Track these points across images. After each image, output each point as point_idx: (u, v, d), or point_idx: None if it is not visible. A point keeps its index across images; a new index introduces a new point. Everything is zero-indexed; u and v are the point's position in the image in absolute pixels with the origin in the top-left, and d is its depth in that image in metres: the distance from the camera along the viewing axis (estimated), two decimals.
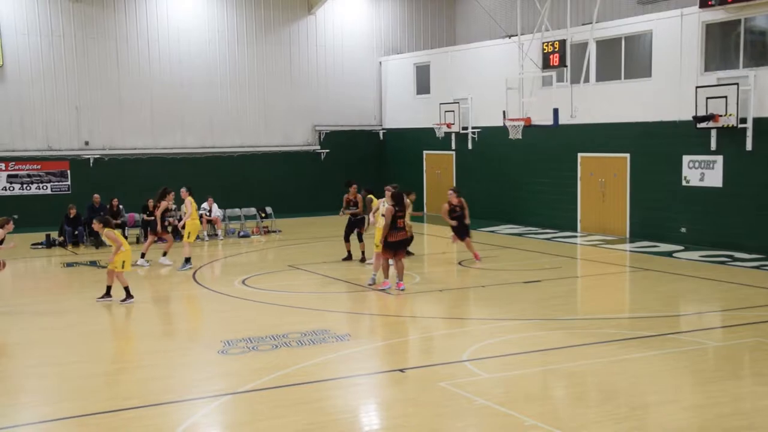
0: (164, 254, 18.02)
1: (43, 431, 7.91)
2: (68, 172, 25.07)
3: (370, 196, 17.07)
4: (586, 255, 19.06)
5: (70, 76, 24.98)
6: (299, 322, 12.05)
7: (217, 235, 22.37)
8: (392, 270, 14.17)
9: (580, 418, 7.86)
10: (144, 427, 7.81)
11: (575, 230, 22.08)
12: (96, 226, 13.70)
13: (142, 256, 17.86)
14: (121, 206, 21.90)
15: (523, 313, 12.60)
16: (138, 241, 21.51)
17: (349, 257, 17.57)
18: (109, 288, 13.60)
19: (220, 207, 22.96)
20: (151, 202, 21.92)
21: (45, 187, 24.81)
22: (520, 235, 21.93)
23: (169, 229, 18.40)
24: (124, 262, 13.43)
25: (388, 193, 14.68)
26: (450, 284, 15.32)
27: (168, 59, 26.16)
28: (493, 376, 9.31)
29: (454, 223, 16.86)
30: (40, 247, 20.73)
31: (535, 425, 7.61)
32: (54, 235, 21.21)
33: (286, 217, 24.64)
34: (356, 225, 17.59)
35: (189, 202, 17.56)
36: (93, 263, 18.33)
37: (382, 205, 15.12)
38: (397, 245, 13.96)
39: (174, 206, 21.94)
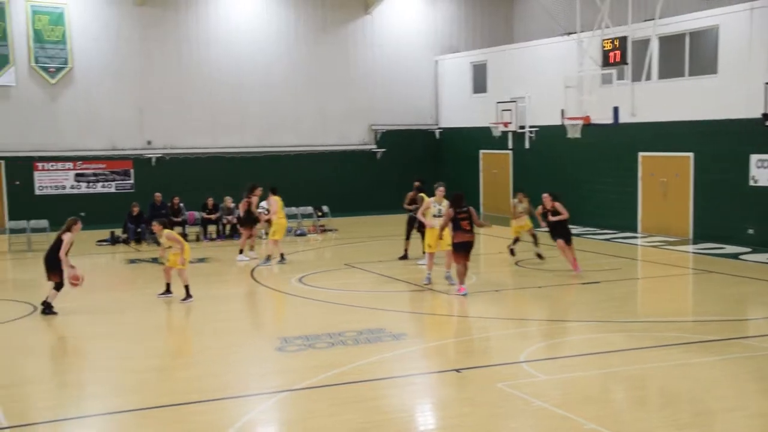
0: (240, 251, 18.26)
1: (109, 422, 8.13)
2: (131, 171, 25.68)
3: (422, 194, 16.95)
4: (647, 256, 18.67)
5: (134, 78, 25.57)
6: (355, 320, 12.09)
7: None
8: (453, 271, 14.03)
9: (641, 423, 7.70)
10: (203, 422, 7.95)
11: (635, 231, 21.65)
12: (156, 227, 13.94)
13: (240, 252, 18.18)
14: (181, 204, 22.32)
15: (582, 314, 12.40)
16: (198, 239, 21.91)
17: (405, 257, 17.56)
18: (168, 285, 13.87)
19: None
20: (210, 201, 22.34)
21: (110, 186, 25.47)
22: (578, 235, 21.55)
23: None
24: (184, 260, 13.65)
25: (439, 193, 14.61)
26: (507, 285, 15.19)
27: (227, 60, 26.56)
28: (550, 378, 9.19)
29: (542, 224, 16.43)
30: (104, 244, 21.28)
31: (594, 429, 7.48)
32: (118, 232, 21.73)
33: (342, 216, 24.78)
34: (419, 223, 17.58)
35: (274, 201, 17.83)
36: (155, 260, 18.72)
37: (433, 206, 15.03)
38: (460, 247, 13.62)
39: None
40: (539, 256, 16.81)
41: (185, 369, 9.93)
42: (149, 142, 25.91)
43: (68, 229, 12.97)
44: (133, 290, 15.47)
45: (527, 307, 13.48)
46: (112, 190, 25.45)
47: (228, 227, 22.35)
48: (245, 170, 26.21)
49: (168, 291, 13.87)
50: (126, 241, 21.41)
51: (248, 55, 26.79)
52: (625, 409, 8.33)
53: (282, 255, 17.72)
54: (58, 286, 12.81)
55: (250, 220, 18.49)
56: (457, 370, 9.54)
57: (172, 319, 12.71)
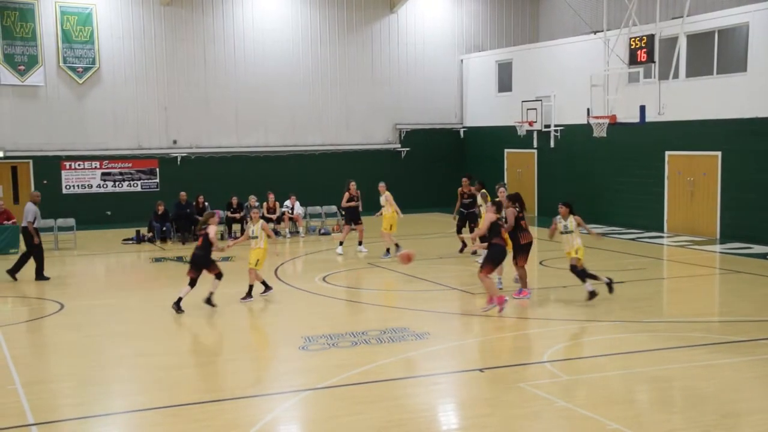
0: (360, 243, 19.00)
1: (134, 420, 8.21)
2: (157, 170, 25.92)
3: (485, 190, 16.86)
4: (673, 256, 18.48)
5: (160, 77, 25.81)
6: (379, 319, 12.10)
7: (298, 232, 22.70)
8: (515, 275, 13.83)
9: (666, 424, 7.62)
10: (226, 420, 8.00)
11: (661, 230, 21.43)
12: (254, 214, 14.01)
13: (341, 244, 18.96)
14: (206, 203, 22.47)
15: (606, 314, 12.30)
16: (222, 238, 22.02)
17: (463, 248, 17.99)
18: (251, 287, 13.79)
19: (301, 205, 23.30)
20: (235, 200, 22.48)
21: (135, 185, 25.72)
22: (603, 234, 21.36)
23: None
24: (258, 260, 13.65)
25: (501, 194, 14.33)
26: (530, 284, 15.09)
27: (252, 59, 26.71)
28: (574, 378, 9.13)
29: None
30: (130, 242, 21.50)
31: (617, 429, 7.42)
32: (143, 231, 21.95)
33: (365, 214, 24.78)
34: (469, 218, 17.69)
35: (388, 196, 18.26)
36: (180, 259, 18.87)
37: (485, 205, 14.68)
38: (527, 247, 13.38)
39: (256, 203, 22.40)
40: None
41: (209, 367, 10.01)
42: (175, 141, 26.13)
43: (206, 223, 13.27)
44: (158, 288, 15.61)
45: (551, 306, 13.39)
46: (138, 189, 25.71)
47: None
48: (269, 169, 26.38)
49: (249, 295, 13.67)
50: (151, 240, 21.61)
51: (273, 54, 26.92)
52: (649, 410, 8.26)
53: (397, 245, 17.87)
54: (219, 276, 13.19)
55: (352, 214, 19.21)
56: (480, 370, 9.52)
57: (197, 318, 12.79)
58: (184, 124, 26.21)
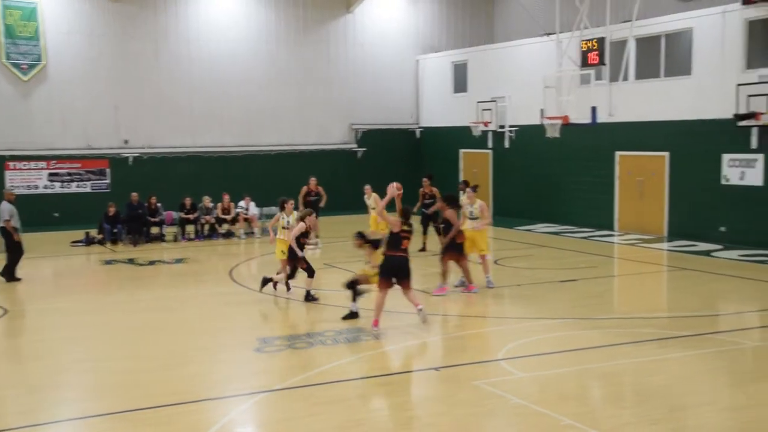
0: (316, 236, 19.40)
1: (85, 426, 8.08)
2: (107, 170, 25.49)
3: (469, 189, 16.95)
4: (623, 254, 18.86)
5: (110, 76, 25.37)
6: (335, 320, 12.11)
7: (253, 233, 22.57)
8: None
9: (617, 419, 7.80)
10: (181, 424, 7.94)
11: (612, 229, 21.85)
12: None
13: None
14: (159, 204, 22.19)
15: (559, 312, 12.51)
16: (175, 240, 21.81)
17: (423, 249, 18.13)
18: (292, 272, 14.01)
19: (257, 205, 23.16)
20: (188, 201, 22.24)
21: (85, 186, 25.25)
22: (556, 233, 21.77)
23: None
24: (283, 251, 13.95)
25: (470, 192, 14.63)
26: (485, 282, 15.26)
27: (207, 58, 26.44)
28: (528, 375, 9.28)
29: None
30: (79, 244, 21.10)
31: (571, 425, 7.57)
32: (93, 233, 21.59)
33: (322, 215, 24.75)
34: (432, 219, 17.92)
35: (376, 198, 18.27)
36: (131, 261, 18.62)
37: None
38: (461, 246, 13.79)
39: (211, 204, 22.31)
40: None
41: (163, 371, 9.88)
42: (126, 141, 25.73)
43: (302, 219, 13.61)
44: (108, 291, 15.38)
45: (505, 305, 13.57)
46: (88, 190, 25.22)
47: (206, 227, 22.29)
48: (224, 170, 26.15)
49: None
50: (101, 242, 21.26)
51: (228, 53, 26.69)
52: (601, 405, 8.44)
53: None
54: (310, 272, 13.43)
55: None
56: (436, 369, 9.61)
57: (150, 321, 12.65)
58: (135, 124, 25.81)
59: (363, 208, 18.85)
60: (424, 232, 18.54)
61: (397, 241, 11.32)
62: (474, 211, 14.32)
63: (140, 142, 25.90)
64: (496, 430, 7.87)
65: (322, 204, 20.55)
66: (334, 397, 8.55)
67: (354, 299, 12.10)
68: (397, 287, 11.45)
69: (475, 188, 15.17)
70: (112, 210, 21.44)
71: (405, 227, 11.36)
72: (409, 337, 11.23)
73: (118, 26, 25.39)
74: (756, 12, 18.04)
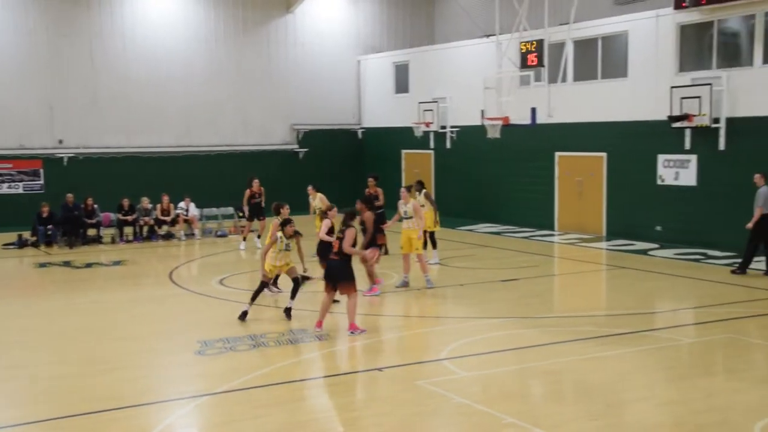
0: (259, 236, 19.54)
1: None
2: (41, 171, 24.76)
3: (426, 190, 16.87)
4: (563, 253, 19.19)
5: (43, 74, 24.65)
6: (278, 321, 12.01)
7: (194, 234, 22.24)
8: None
9: (557, 416, 7.91)
10: (119, 430, 7.75)
11: (552, 229, 22.21)
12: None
13: (244, 239, 19.76)
14: (95, 206, 21.68)
15: (501, 311, 12.64)
16: (113, 241, 21.35)
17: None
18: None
19: (197, 206, 22.83)
20: (126, 202, 21.78)
21: (17, 186, 24.45)
22: (497, 233, 22.01)
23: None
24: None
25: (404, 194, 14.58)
26: (425, 282, 15.33)
27: (143, 57, 25.93)
28: (470, 375, 9.34)
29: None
30: (11, 247, 20.46)
31: (513, 423, 7.64)
32: (26, 235, 20.96)
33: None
34: (378, 219, 17.69)
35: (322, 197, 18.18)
36: (67, 263, 18.14)
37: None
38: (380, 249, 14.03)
39: (151, 205, 21.92)
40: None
41: (99, 376, 9.63)
42: (60, 141, 25.05)
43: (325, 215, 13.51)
44: (43, 295, 14.94)
45: (448, 305, 13.66)
46: (20, 191, 24.44)
47: (145, 229, 21.87)
48: (163, 170, 25.69)
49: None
50: (35, 245, 20.66)
51: (165, 52, 26.23)
52: (542, 402, 8.55)
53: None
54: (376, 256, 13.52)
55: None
56: (379, 369, 9.60)
57: (86, 325, 12.33)
58: (70, 123, 25.14)
59: (305, 209, 18.71)
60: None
61: (329, 245, 11.24)
62: (408, 211, 14.40)
63: (75, 142, 25.25)
64: (439, 430, 7.90)
65: (263, 204, 20.45)
66: (276, 399, 8.47)
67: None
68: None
69: (409, 188, 15.19)
70: (45, 210, 20.85)
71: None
72: (352, 338, 11.19)
73: (50, 23, 24.69)
74: (687, 16, 18.56)
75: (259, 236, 19.72)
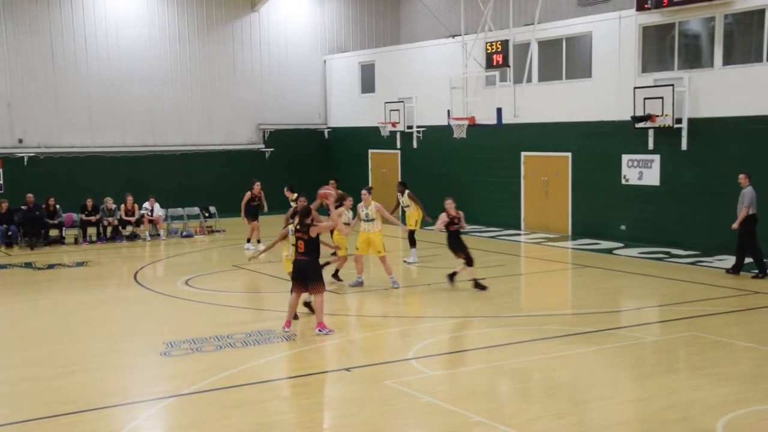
0: (248, 240, 19.38)
1: None
2: (0, 170, 24.28)
3: (409, 191, 17.03)
4: (530, 253, 19.34)
5: (1, 72, 24.19)
6: (244, 322, 11.93)
7: (159, 235, 22.01)
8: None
9: (524, 414, 7.97)
10: None
11: (519, 228, 22.37)
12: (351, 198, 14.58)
13: (248, 241, 19.36)
14: (57, 206, 21.33)
15: (468, 310, 12.70)
16: (76, 242, 21.04)
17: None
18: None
19: (162, 207, 22.60)
20: (90, 202, 21.47)
21: None
22: (465, 233, 22.06)
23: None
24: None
25: (364, 194, 14.48)
26: (390, 283, 15.35)
27: (107, 55, 25.59)
28: (438, 374, 9.37)
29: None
30: None
31: (481, 422, 7.68)
32: None
33: (229, 216, 24.35)
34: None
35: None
36: (28, 265, 17.82)
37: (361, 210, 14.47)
38: None
39: (114, 206, 21.64)
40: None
41: (62, 378, 9.47)
42: (20, 141, 24.60)
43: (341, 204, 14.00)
44: (4, 297, 14.64)
45: (415, 304, 13.68)
46: None
47: (109, 229, 21.58)
48: (127, 170, 25.41)
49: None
50: None
51: (129, 51, 25.91)
52: (509, 401, 8.60)
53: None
54: (469, 261, 14.00)
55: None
56: (347, 369, 9.58)
57: (49, 327, 12.13)
58: (30, 122, 24.71)
59: (273, 209, 18.61)
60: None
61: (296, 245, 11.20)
62: (369, 213, 14.29)
63: (36, 141, 24.83)
64: (408, 429, 7.91)
65: (265, 209, 20.32)
66: (244, 400, 8.41)
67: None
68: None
69: (370, 190, 14.94)
70: (4, 206, 20.42)
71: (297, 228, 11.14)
72: (320, 338, 11.16)
73: (8, 20, 24.23)
74: (649, 18, 18.83)
75: (248, 240, 19.58)
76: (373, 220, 14.21)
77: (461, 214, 14.61)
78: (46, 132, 24.95)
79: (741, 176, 15.12)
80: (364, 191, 14.73)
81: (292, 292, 11.33)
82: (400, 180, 17.68)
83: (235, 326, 11.62)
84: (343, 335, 11.32)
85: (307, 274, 11.08)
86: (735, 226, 14.95)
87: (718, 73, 17.71)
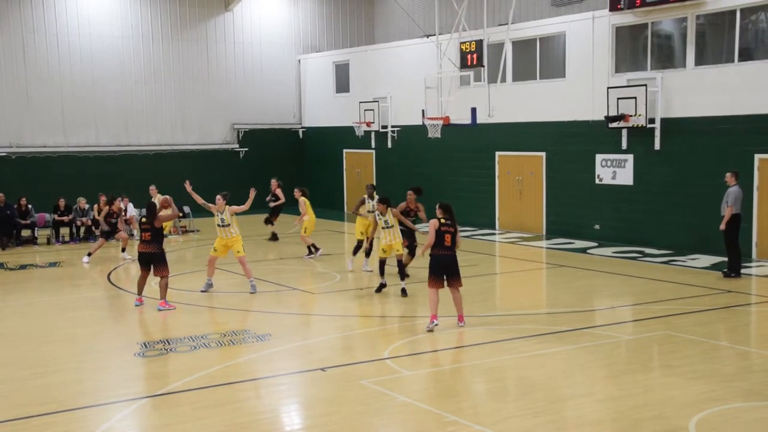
0: (123, 250, 18.65)
1: None
2: None
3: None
4: (504, 252, 19.43)
5: None
6: (219, 322, 11.86)
7: (132, 235, 21.76)
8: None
9: (499, 413, 8.00)
10: None
11: (493, 228, 22.47)
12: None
13: (89, 255, 17.98)
14: (30, 206, 21.05)
15: (443, 310, 12.70)
16: (49, 242, 20.78)
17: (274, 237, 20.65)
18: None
19: (135, 206, 22.36)
20: (62, 202, 21.22)
21: None
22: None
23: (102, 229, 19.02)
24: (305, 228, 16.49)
25: (369, 197, 14.45)
26: (370, 283, 15.35)
27: (79, 54, 25.32)
28: (413, 373, 9.38)
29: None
30: None
31: (456, 421, 7.70)
32: None
33: (204, 216, 24.17)
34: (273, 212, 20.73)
35: (303, 202, 18.11)
36: (0, 265, 17.57)
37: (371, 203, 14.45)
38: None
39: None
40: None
41: (35, 379, 9.36)
42: None
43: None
44: None
45: (390, 304, 13.68)
46: None
47: (83, 229, 21.34)
48: (100, 170, 25.17)
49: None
50: None
51: (102, 50, 25.67)
52: (484, 400, 8.63)
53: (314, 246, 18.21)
54: (411, 252, 14.51)
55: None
56: (323, 369, 9.56)
57: (21, 327, 11.97)
58: (2, 122, 24.39)
59: (253, 209, 18.46)
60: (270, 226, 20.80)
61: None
62: (389, 220, 14.05)
63: (7, 141, 24.50)
64: (383, 429, 7.91)
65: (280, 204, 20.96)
66: (219, 401, 8.36)
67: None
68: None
69: (384, 200, 14.42)
70: None
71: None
72: (295, 338, 11.14)
73: None
74: (622, 18, 19.00)
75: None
76: (392, 226, 14.06)
77: (420, 206, 15.05)
78: (18, 131, 24.65)
79: (727, 175, 14.91)
80: (378, 203, 14.24)
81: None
82: (369, 184, 17.52)
83: (209, 326, 11.55)
84: (319, 335, 11.28)
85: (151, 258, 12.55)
86: (722, 227, 14.69)
87: (691, 74, 17.93)
